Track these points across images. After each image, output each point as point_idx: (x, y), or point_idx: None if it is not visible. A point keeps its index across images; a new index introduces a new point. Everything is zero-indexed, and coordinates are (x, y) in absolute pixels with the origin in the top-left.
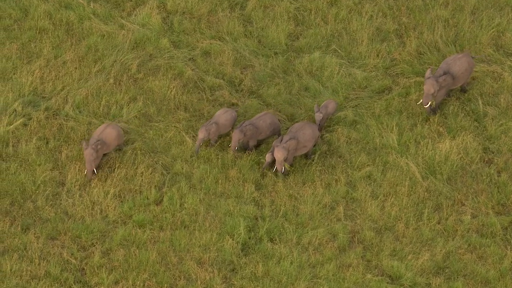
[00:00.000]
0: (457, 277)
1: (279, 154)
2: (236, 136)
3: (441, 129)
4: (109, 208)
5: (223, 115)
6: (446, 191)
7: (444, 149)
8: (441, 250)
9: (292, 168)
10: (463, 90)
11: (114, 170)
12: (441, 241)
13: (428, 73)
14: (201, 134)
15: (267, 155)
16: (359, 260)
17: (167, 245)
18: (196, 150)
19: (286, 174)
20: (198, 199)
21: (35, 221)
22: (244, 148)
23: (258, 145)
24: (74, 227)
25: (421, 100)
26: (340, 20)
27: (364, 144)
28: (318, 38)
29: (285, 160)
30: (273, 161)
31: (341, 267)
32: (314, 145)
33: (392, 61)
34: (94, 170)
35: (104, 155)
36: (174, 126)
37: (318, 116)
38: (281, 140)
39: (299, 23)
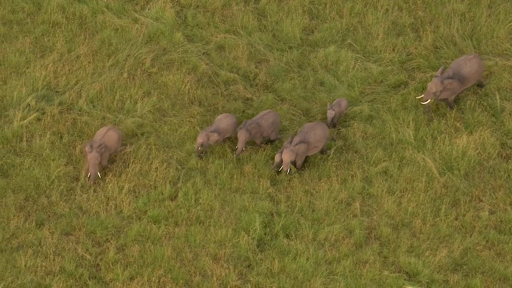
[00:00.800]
0: (475, 274)
1: (286, 156)
2: (242, 136)
3: (458, 124)
4: (124, 203)
5: (223, 120)
6: (464, 187)
7: (461, 145)
8: (458, 247)
9: (303, 167)
10: (480, 85)
11: (128, 165)
12: (458, 237)
13: (439, 71)
14: (200, 139)
15: (276, 156)
16: (375, 257)
17: (182, 241)
18: (196, 154)
19: (291, 173)
20: (213, 195)
21: (49, 216)
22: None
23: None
24: (88, 222)
25: (422, 95)
26: (355, 14)
27: (380, 139)
28: (333, 32)
29: (293, 162)
30: (282, 161)
31: (357, 264)
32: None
33: (408, 55)
34: (98, 174)
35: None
36: (189, 120)
37: (330, 114)
38: (291, 141)
39: (314, 17)
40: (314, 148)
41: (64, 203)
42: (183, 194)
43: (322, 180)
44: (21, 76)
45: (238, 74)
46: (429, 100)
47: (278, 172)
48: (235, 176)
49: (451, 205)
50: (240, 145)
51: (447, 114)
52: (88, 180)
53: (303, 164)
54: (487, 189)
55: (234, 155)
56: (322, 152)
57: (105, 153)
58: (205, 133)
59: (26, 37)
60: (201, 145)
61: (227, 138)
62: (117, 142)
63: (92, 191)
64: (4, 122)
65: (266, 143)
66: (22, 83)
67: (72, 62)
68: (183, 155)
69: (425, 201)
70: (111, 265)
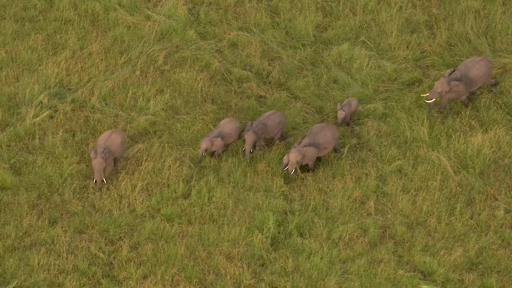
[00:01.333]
0: (491, 273)
1: (292, 156)
2: (250, 138)
3: (473, 122)
4: (137, 201)
5: (227, 125)
6: (479, 185)
7: (476, 143)
8: (474, 246)
9: (317, 167)
10: (493, 84)
11: (141, 163)
12: (474, 236)
13: (448, 72)
14: (204, 145)
15: (284, 157)
16: (390, 256)
17: (196, 240)
18: (198, 160)
19: (297, 175)
20: (226, 193)
21: (62, 214)
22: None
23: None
24: (101, 220)
25: (427, 94)
26: (369, 11)
27: (394, 138)
28: (347, 30)
29: (299, 163)
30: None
31: (372, 263)
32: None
33: (422, 52)
34: (104, 180)
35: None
36: (202, 118)
37: (341, 114)
38: (300, 142)
39: (327, 14)
40: (324, 149)
41: (77, 201)
42: (196, 192)
43: (336, 179)
44: (33, 74)
45: (251, 72)
46: (433, 99)
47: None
48: (248, 174)
49: (466, 204)
50: (247, 147)
51: (462, 112)
52: (95, 185)
53: (317, 163)
54: (502, 187)
55: (244, 158)
56: (335, 150)
57: (109, 158)
58: (209, 138)
59: (38, 34)
60: (204, 151)
61: (231, 143)
62: (120, 145)
63: (105, 189)
64: (16, 120)
65: (267, 145)
66: (35, 81)
67: (84, 59)
68: (196, 153)
69: (440, 199)
70: (124, 263)
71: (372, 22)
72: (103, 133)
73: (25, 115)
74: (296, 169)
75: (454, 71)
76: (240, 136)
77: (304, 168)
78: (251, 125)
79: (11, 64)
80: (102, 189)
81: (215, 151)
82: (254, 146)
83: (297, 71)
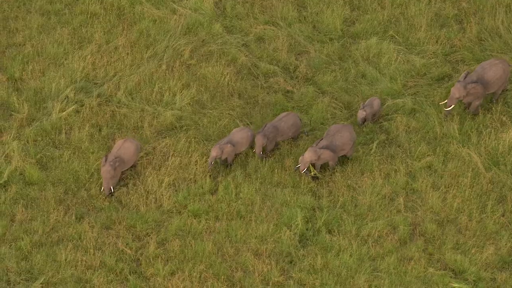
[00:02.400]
0: None
1: (307, 155)
2: (259, 141)
3: (504, 118)
4: (164, 197)
5: (238, 133)
6: (510, 182)
7: (507, 139)
8: (506, 244)
9: (318, 173)
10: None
11: (168, 158)
12: (506, 234)
13: (462, 76)
14: (214, 152)
15: (300, 158)
16: (420, 254)
17: (223, 236)
18: (209, 168)
19: (313, 178)
20: (253, 189)
21: (89, 210)
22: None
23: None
24: (128, 216)
25: (445, 101)
26: (397, 5)
27: (424, 133)
28: (375, 24)
29: (315, 165)
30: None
31: (402, 261)
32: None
33: (452, 47)
34: (111, 188)
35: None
36: (228, 113)
37: (361, 114)
38: (317, 143)
39: (355, 8)
40: (342, 151)
41: (104, 197)
42: (223, 188)
43: (364, 175)
44: (59, 68)
45: (278, 66)
46: (452, 106)
47: (313, 178)
48: (276, 170)
49: (497, 201)
50: (257, 149)
51: (493, 108)
52: (102, 192)
53: (345, 160)
54: None
55: (259, 158)
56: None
57: (118, 168)
58: (219, 146)
59: (64, 28)
60: (214, 159)
61: (243, 151)
62: (134, 154)
63: (131, 184)
64: (43, 114)
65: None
66: (61, 75)
67: (110, 53)
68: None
69: (471, 197)
70: (151, 260)
71: (400, 16)
72: (118, 141)
73: (51, 109)
74: (308, 169)
75: (469, 74)
76: (252, 144)
77: (325, 166)
78: (264, 127)
79: (37, 58)
80: (110, 195)
81: (226, 158)
82: (272, 149)
83: (325, 66)
